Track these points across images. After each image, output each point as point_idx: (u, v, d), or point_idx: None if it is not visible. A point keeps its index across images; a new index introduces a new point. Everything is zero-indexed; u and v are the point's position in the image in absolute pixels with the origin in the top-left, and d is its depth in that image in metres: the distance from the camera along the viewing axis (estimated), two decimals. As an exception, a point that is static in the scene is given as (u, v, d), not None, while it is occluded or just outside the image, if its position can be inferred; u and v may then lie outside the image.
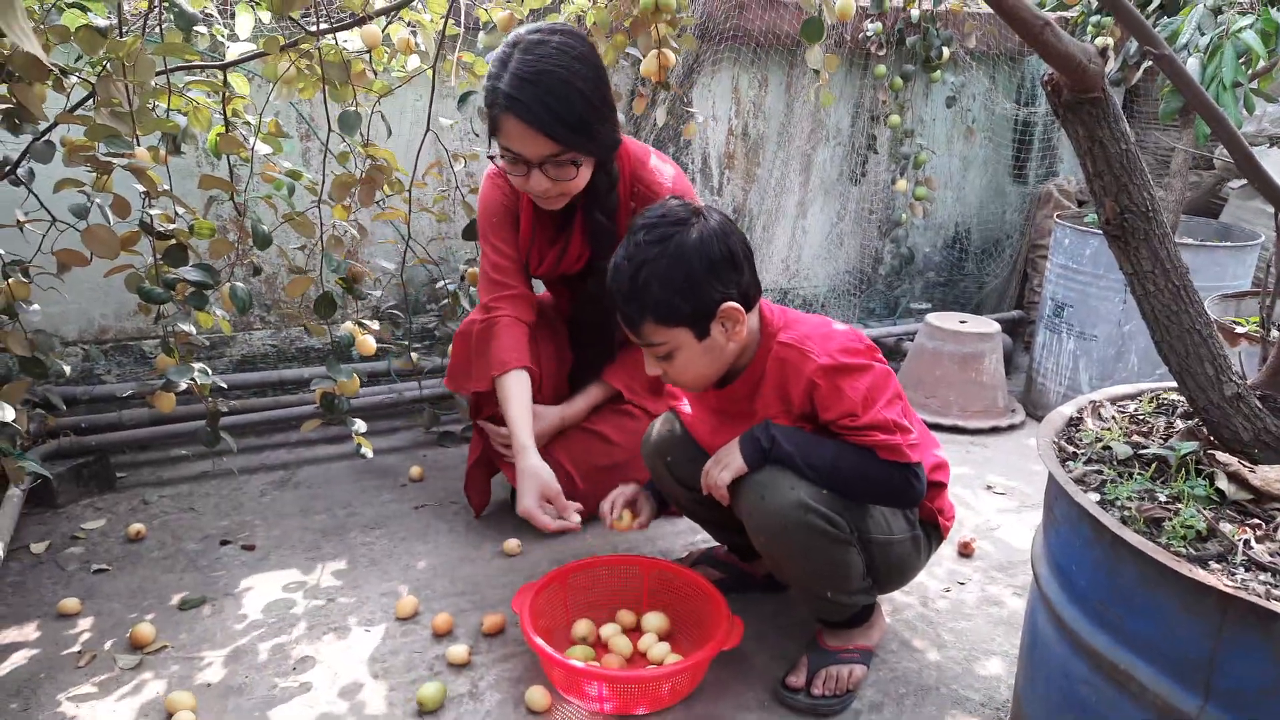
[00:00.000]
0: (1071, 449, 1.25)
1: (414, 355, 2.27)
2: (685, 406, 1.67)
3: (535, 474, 1.66)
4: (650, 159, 1.84)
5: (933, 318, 2.91)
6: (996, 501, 2.31)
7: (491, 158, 1.70)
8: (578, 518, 1.62)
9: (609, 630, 1.63)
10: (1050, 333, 2.88)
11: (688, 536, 2.05)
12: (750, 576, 1.81)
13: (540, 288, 2.15)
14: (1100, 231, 2.66)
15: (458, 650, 1.59)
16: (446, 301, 2.40)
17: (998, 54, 3.50)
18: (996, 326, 2.87)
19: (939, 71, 3.24)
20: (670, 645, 1.59)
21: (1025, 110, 3.61)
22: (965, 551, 2.02)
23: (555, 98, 1.56)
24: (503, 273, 1.88)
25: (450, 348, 1.99)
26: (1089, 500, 1.06)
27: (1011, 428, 2.84)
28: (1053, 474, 1.13)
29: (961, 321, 2.87)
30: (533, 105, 1.55)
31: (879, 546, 1.45)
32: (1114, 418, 1.34)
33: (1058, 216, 2.92)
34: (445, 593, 1.81)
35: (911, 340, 3.14)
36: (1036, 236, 3.66)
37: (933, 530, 1.57)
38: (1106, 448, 1.24)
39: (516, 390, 1.77)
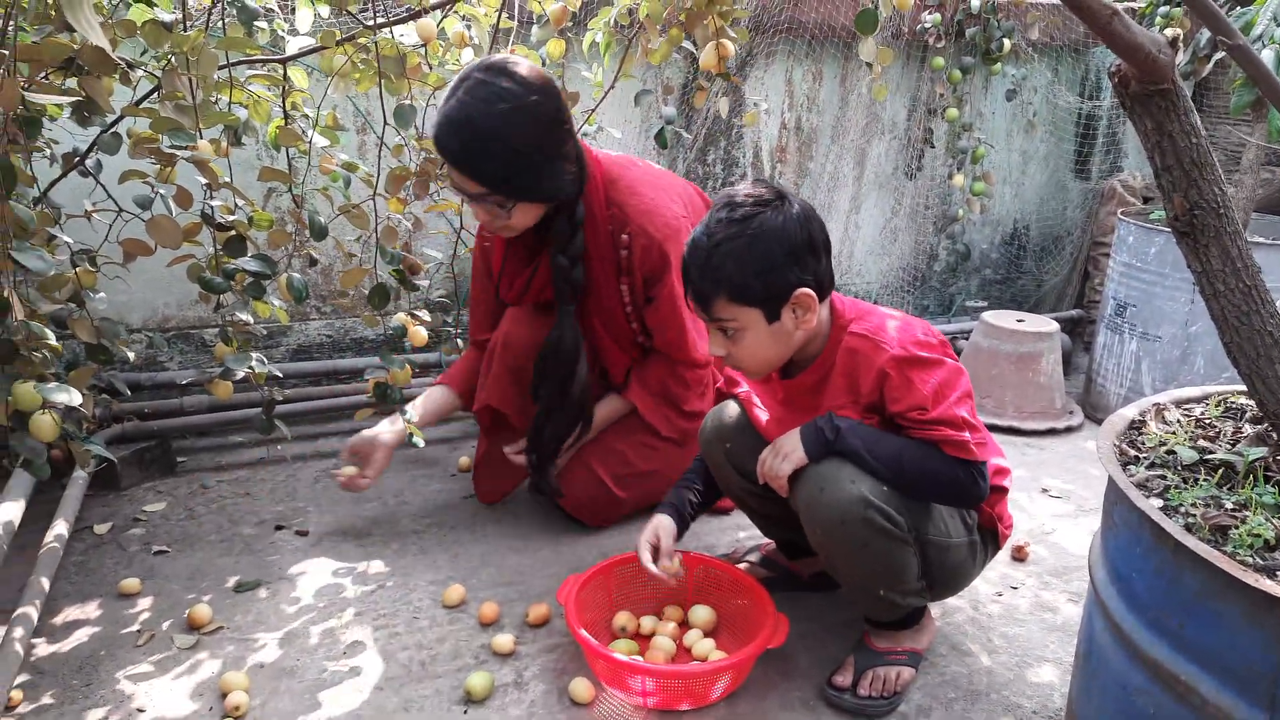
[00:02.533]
0: (1133, 453, 1.21)
1: (460, 343, 2.29)
2: (743, 388, 1.65)
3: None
4: (634, 184, 1.82)
5: (989, 316, 2.85)
6: (1052, 505, 2.26)
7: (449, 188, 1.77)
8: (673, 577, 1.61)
9: (651, 623, 1.63)
10: (1111, 333, 2.80)
11: (732, 533, 2.04)
12: (796, 575, 1.79)
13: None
14: (1167, 229, 2.58)
15: (503, 640, 1.60)
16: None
17: (1061, 45, 3.40)
18: (1055, 326, 2.80)
19: (999, 64, 3.17)
20: (714, 641, 1.58)
21: (1089, 103, 3.51)
22: (1019, 555, 1.97)
23: (477, 144, 1.59)
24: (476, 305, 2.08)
25: None
26: (1151, 506, 1.03)
27: (1069, 430, 2.77)
28: (1113, 478, 1.10)
29: (1019, 320, 2.81)
30: (452, 148, 1.61)
31: (936, 549, 1.43)
32: (1178, 421, 1.29)
33: (1121, 213, 2.83)
34: (492, 582, 1.83)
35: (967, 339, 3.08)
36: (1099, 234, 3.56)
37: (990, 538, 1.53)
38: (1170, 452, 1.20)
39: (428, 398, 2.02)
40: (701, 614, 1.63)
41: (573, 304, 1.83)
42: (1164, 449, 1.21)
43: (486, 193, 1.65)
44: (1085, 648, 1.22)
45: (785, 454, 1.41)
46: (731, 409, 1.65)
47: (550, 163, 1.67)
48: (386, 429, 1.98)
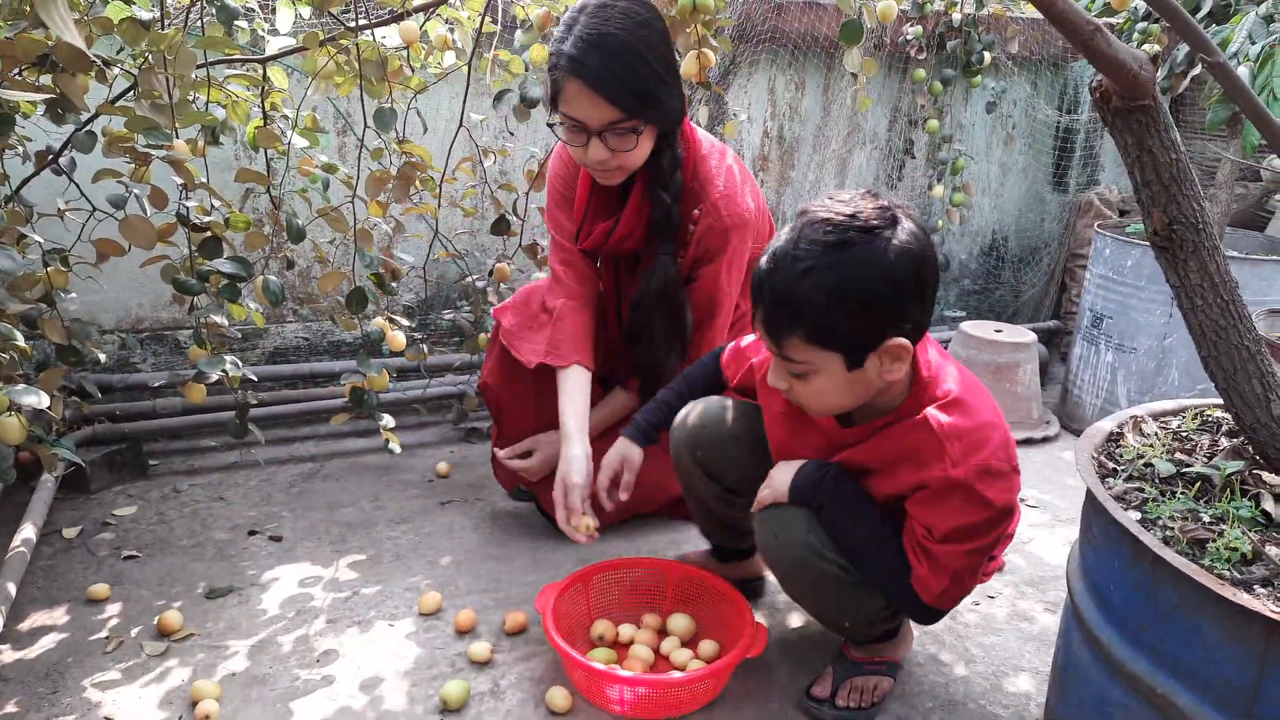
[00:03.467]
0: (1111, 465, 1.22)
1: (424, 348, 2.26)
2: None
3: (563, 463, 1.64)
4: (719, 160, 1.76)
5: (967, 326, 2.86)
6: (1029, 515, 2.27)
7: (551, 126, 1.65)
8: (581, 537, 1.59)
9: (629, 631, 1.62)
10: (1088, 344, 2.83)
11: (669, 536, 2.04)
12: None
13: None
14: (1142, 242, 2.61)
15: (480, 648, 1.58)
16: (474, 298, 2.40)
17: (1040, 59, 3.44)
18: (1032, 336, 2.82)
19: (979, 76, 3.20)
20: (693, 650, 1.57)
21: (1067, 117, 3.55)
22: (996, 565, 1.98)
23: (620, 62, 1.50)
24: (568, 254, 1.86)
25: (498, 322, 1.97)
26: (1129, 519, 1.03)
27: (1045, 440, 2.78)
28: (1092, 491, 1.10)
29: (997, 330, 2.82)
30: (597, 69, 1.49)
31: None
32: (1156, 434, 1.30)
33: (1099, 226, 2.86)
34: (469, 589, 1.81)
35: (945, 348, 3.10)
36: (1076, 246, 3.60)
37: None
38: (1148, 465, 1.20)
39: (569, 387, 1.73)
40: (680, 623, 1.62)
41: (672, 244, 1.73)
42: (1142, 461, 1.22)
43: (622, 117, 1.54)
44: (1063, 659, 1.23)
45: (772, 485, 1.36)
46: (703, 412, 1.56)
47: (678, 81, 1.61)
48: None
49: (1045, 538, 2.14)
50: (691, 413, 1.57)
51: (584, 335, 1.80)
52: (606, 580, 1.68)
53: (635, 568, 1.72)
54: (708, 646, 1.57)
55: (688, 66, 2.04)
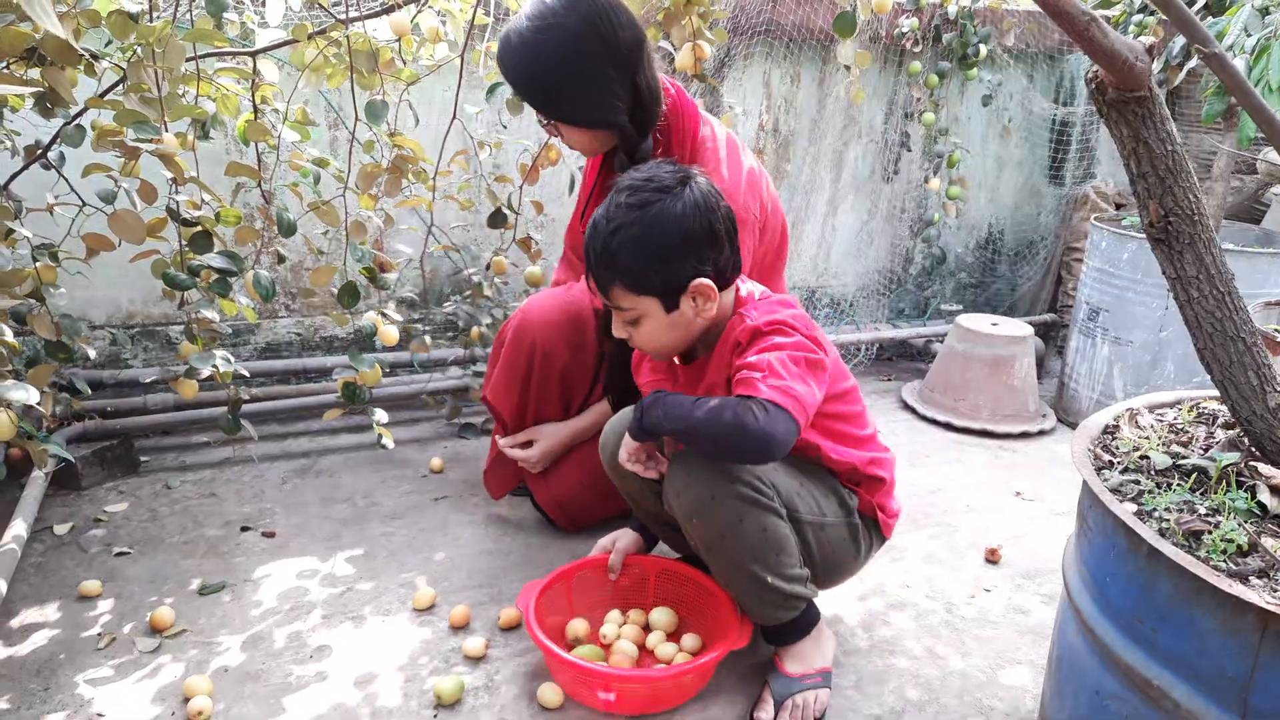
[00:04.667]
0: (1108, 457, 1.21)
1: (428, 339, 2.26)
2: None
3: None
4: (718, 157, 1.75)
5: (964, 319, 2.86)
6: (1025, 508, 2.26)
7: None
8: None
9: (613, 629, 1.59)
10: (1084, 337, 2.83)
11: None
12: None
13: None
14: (1139, 235, 2.60)
15: (474, 643, 1.58)
16: (470, 293, 2.39)
17: (1036, 52, 3.43)
18: (1029, 329, 2.81)
19: (975, 69, 3.19)
20: (677, 645, 1.55)
21: (1063, 110, 3.54)
22: (992, 558, 1.98)
23: (516, 73, 1.61)
24: (573, 252, 1.97)
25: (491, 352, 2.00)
26: (1125, 511, 1.03)
27: (1042, 433, 2.78)
28: (1088, 483, 1.10)
29: (993, 324, 2.82)
30: (507, 74, 1.63)
31: (810, 528, 1.43)
32: (1152, 426, 1.30)
33: (1095, 219, 2.86)
34: (463, 585, 1.80)
35: (941, 342, 3.10)
36: (1072, 239, 3.60)
37: (873, 526, 1.53)
38: (1144, 457, 1.20)
39: None
40: (662, 617, 1.60)
41: None
42: (1138, 454, 1.21)
43: (543, 117, 1.68)
44: (1058, 651, 1.22)
45: (622, 444, 1.43)
46: (624, 421, 1.57)
47: (590, 89, 1.61)
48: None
49: (1041, 531, 2.14)
50: (616, 424, 1.61)
51: None
52: (588, 576, 1.66)
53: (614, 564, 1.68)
54: (690, 640, 1.55)
55: (683, 58, 2.03)
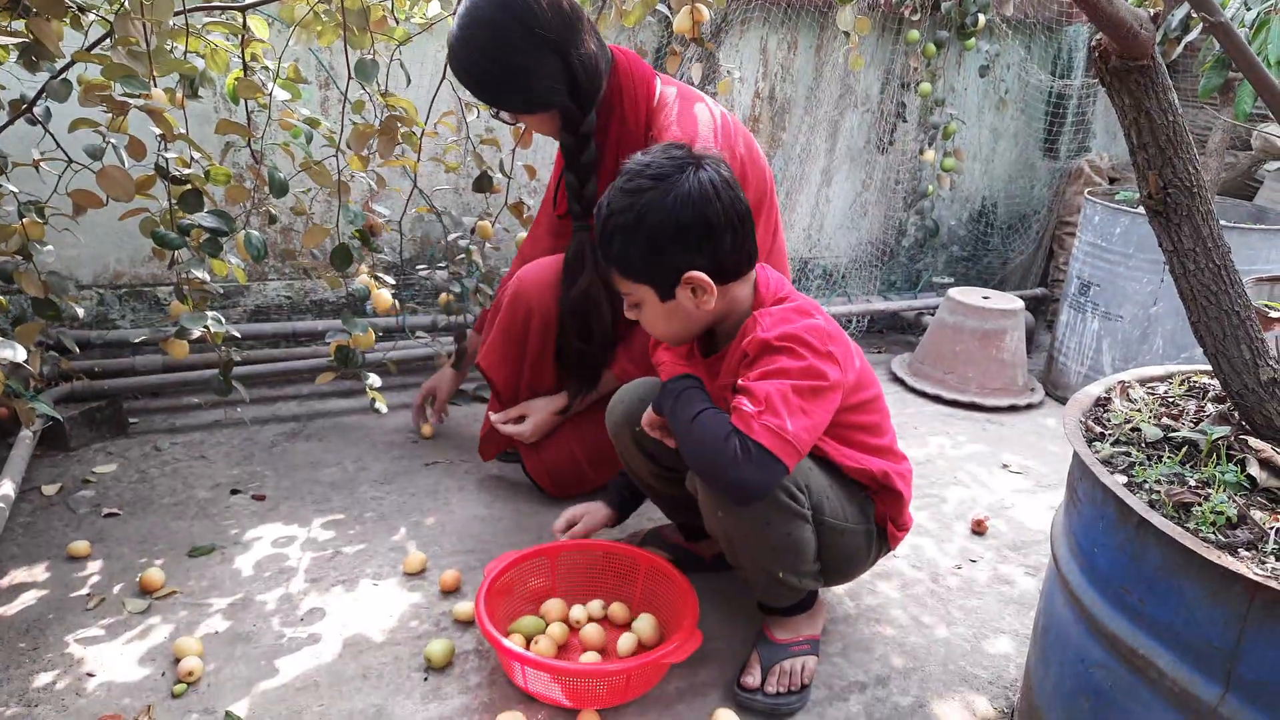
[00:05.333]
0: (1099, 429, 1.22)
1: (397, 304, 2.23)
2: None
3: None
4: (674, 109, 1.74)
5: (955, 292, 2.86)
6: (1012, 480, 2.28)
7: None
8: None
9: (580, 613, 1.56)
10: (1074, 311, 2.83)
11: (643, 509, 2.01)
12: (697, 557, 1.75)
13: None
14: (1132, 209, 2.60)
15: (465, 607, 1.58)
16: (462, 257, 2.37)
17: (1035, 23, 3.41)
18: (1020, 303, 2.82)
19: (973, 39, 3.16)
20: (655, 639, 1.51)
21: (1060, 82, 3.53)
22: (978, 530, 1.99)
23: (458, 62, 1.64)
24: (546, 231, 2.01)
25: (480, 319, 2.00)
26: (1116, 482, 1.03)
27: (1030, 406, 2.80)
28: (1079, 454, 1.10)
29: (984, 297, 2.83)
30: (453, 64, 1.66)
31: (831, 532, 1.40)
32: (1143, 399, 1.30)
33: (1088, 193, 2.85)
34: (453, 550, 1.81)
35: (932, 314, 3.10)
36: (1065, 213, 3.60)
37: (882, 536, 1.51)
38: (1135, 429, 1.20)
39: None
40: (620, 611, 1.58)
41: (586, 222, 1.77)
42: (1129, 426, 1.22)
43: (486, 104, 1.72)
44: (1044, 621, 1.23)
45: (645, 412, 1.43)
46: (639, 389, 1.60)
47: (520, 76, 1.63)
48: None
49: (1027, 503, 2.16)
50: (629, 392, 1.60)
51: None
52: (572, 559, 1.64)
53: (604, 551, 1.65)
54: (647, 637, 1.50)
55: (680, 22, 2.00)
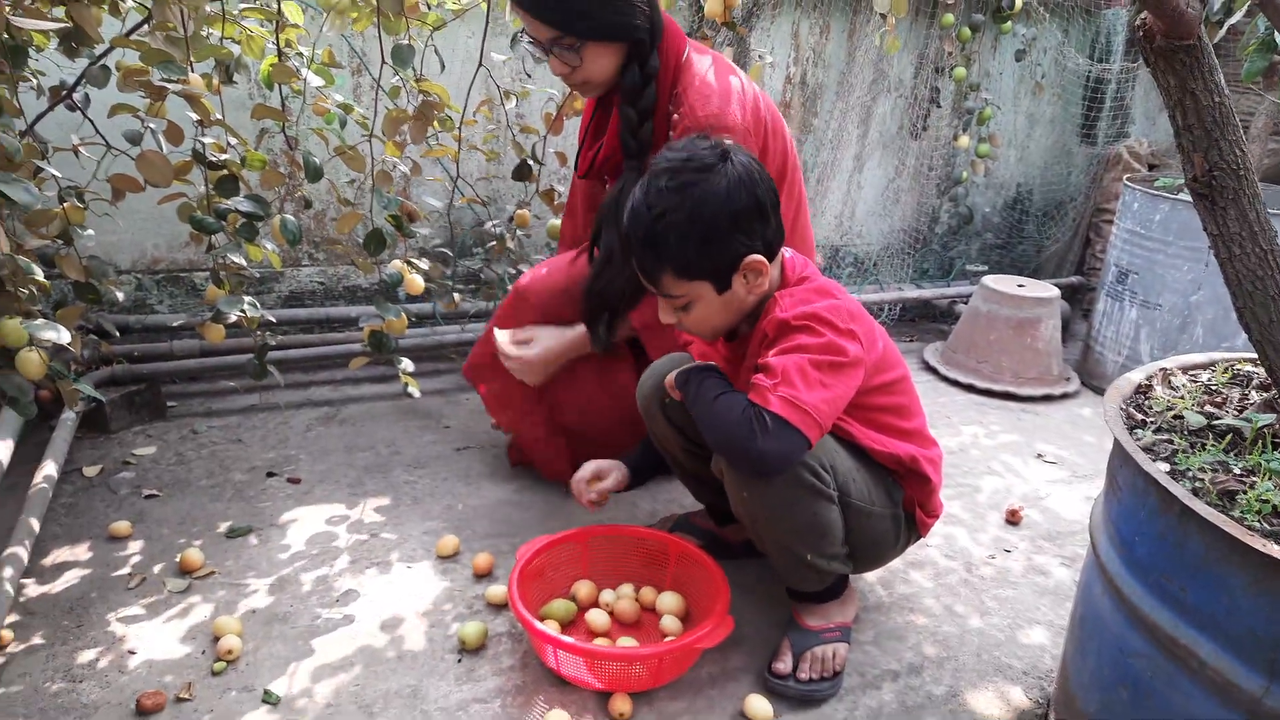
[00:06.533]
0: (1140, 417, 1.20)
1: (456, 296, 2.26)
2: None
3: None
4: (704, 70, 1.68)
5: (989, 280, 2.82)
6: (1046, 471, 2.26)
7: (528, 47, 1.66)
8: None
9: (610, 596, 1.57)
10: (1112, 300, 2.79)
11: (671, 493, 2.02)
12: (726, 543, 1.74)
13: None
14: (1172, 196, 2.54)
15: (498, 590, 1.59)
16: (493, 244, 2.38)
17: (1073, 5, 3.34)
18: (1055, 291, 2.78)
19: (1009, 23, 3.11)
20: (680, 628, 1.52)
21: (1098, 67, 3.46)
22: (1012, 519, 1.97)
23: None
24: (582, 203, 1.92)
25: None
26: (1158, 469, 1.02)
27: (1065, 396, 2.76)
28: (1120, 441, 1.09)
29: (1019, 285, 2.79)
30: None
31: (857, 514, 1.39)
32: (1185, 386, 1.28)
33: (1127, 179, 2.80)
34: (485, 534, 1.82)
35: (966, 303, 3.07)
36: (1102, 200, 3.53)
37: (912, 522, 1.50)
38: (1178, 417, 1.18)
39: None
40: (650, 596, 1.58)
41: (639, 162, 1.68)
42: (1171, 414, 1.20)
43: (556, 36, 1.55)
44: (1082, 610, 1.22)
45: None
46: (669, 364, 1.57)
47: None
48: None
49: (1063, 493, 2.13)
50: (660, 366, 1.59)
51: None
52: (601, 543, 1.64)
53: (634, 536, 1.66)
54: (673, 624, 1.52)
55: (711, 6, 1.99)
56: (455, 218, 2.69)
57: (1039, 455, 2.34)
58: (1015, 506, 1.99)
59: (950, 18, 3.03)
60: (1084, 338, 3.01)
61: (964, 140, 3.25)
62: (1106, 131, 3.57)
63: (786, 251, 1.40)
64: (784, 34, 2.95)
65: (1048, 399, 2.73)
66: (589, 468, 1.63)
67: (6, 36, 1.41)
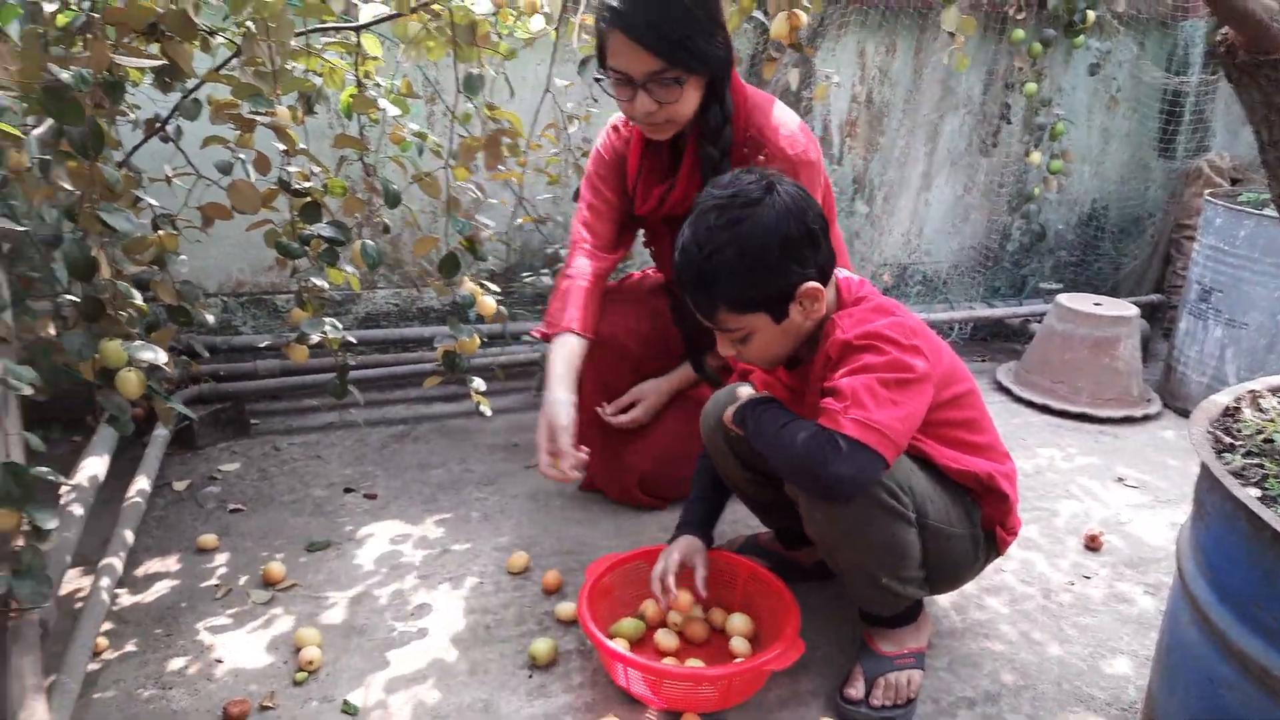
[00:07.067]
0: (1228, 440, 1.16)
1: (503, 309, 2.28)
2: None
3: (548, 408, 1.64)
4: (773, 109, 1.73)
5: (1064, 298, 2.76)
6: (1127, 495, 2.19)
7: (598, 80, 1.66)
8: (575, 474, 1.60)
9: (677, 618, 1.56)
10: (1194, 319, 2.70)
11: (734, 514, 1.97)
12: (796, 565, 1.72)
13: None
14: (1257, 211, 2.47)
15: (566, 607, 1.61)
16: (560, 265, 2.41)
17: (1148, 18, 3.27)
18: (1135, 310, 2.70)
19: (1082, 36, 3.05)
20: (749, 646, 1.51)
21: (1176, 79, 3.37)
22: (1092, 545, 1.92)
23: (660, 11, 1.51)
24: (596, 217, 1.86)
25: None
26: (1248, 495, 0.99)
27: (1146, 418, 2.67)
28: (1208, 465, 1.06)
29: (1096, 303, 2.72)
30: (635, 18, 1.51)
31: (935, 536, 1.36)
32: (1275, 409, 1.24)
33: (1209, 195, 2.71)
34: (554, 551, 1.84)
35: (1039, 321, 3.00)
36: (1182, 216, 3.42)
37: (991, 540, 1.46)
38: (1268, 440, 1.14)
39: (558, 349, 1.74)
40: (737, 623, 1.56)
41: None
42: (1261, 437, 1.16)
43: (663, 68, 1.54)
44: (1168, 640, 1.18)
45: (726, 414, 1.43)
46: (733, 395, 1.55)
47: (718, 28, 1.58)
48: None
49: (1146, 519, 2.06)
50: (723, 396, 1.58)
51: (580, 303, 1.78)
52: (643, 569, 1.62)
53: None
54: (743, 645, 1.50)
55: (777, 28, 2.00)
56: (522, 240, 2.75)
57: (1119, 479, 2.27)
58: (1095, 531, 1.93)
59: (1020, 33, 2.99)
60: (1165, 358, 2.92)
61: (1036, 156, 3.19)
62: (1186, 145, 3.47)
63: (841, 272, 1.39)
64: (849, 53, 2.95)
65: (1128, 421, 2.65)
66: (674, 563, 1.54)
67: (106, 73, 1.49)
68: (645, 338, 1.95)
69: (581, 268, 1.82)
